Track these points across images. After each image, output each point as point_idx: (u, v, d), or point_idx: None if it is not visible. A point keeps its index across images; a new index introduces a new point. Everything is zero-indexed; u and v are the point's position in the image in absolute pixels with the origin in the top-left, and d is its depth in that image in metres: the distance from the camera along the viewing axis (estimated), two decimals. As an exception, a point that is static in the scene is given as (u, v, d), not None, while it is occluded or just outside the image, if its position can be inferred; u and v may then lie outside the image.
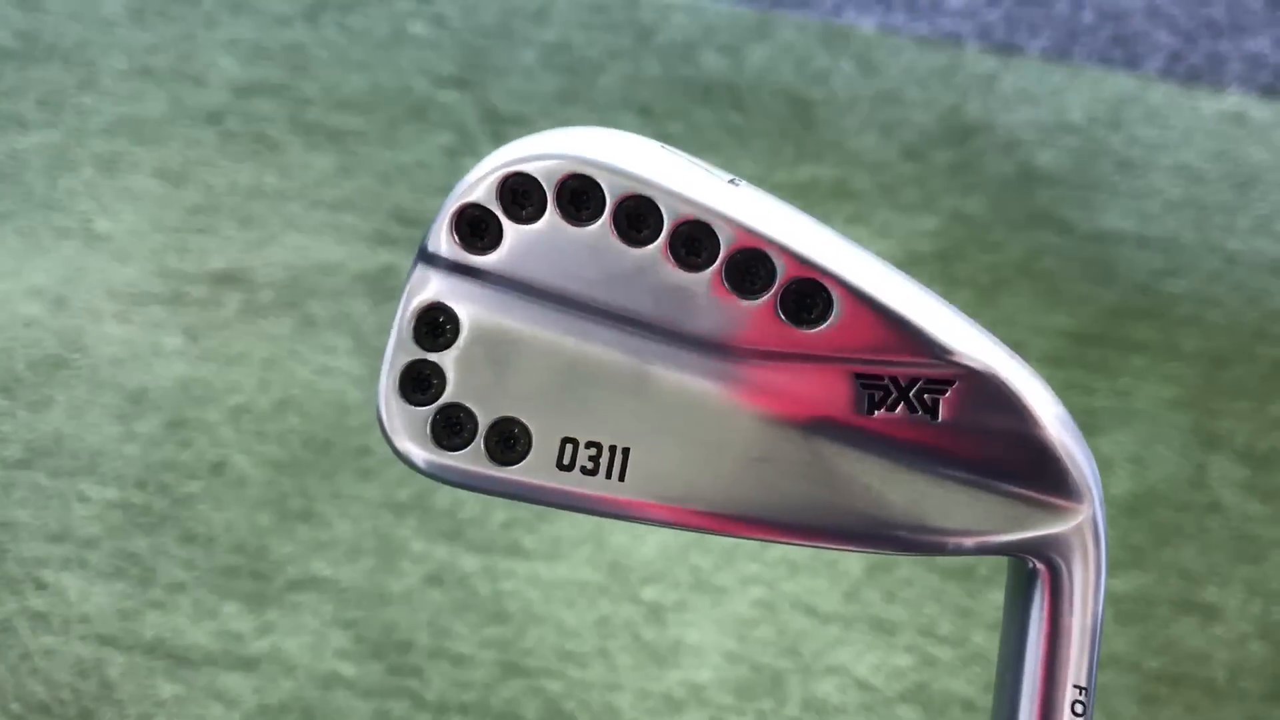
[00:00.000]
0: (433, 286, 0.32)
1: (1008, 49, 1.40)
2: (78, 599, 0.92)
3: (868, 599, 0.95)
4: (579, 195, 0.31)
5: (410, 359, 0.32)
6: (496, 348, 0.32)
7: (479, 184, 0.31)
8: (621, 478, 0.32)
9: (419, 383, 0.32)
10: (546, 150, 0.31)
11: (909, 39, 1.39)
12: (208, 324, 1.09)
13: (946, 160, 1.27)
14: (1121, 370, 1.12)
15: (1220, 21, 1.47)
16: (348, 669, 0.89)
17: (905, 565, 0.98)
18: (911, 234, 1.20)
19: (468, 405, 0.32)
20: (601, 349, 0.31)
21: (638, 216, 0.30)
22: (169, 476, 0.99)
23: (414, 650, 0.91)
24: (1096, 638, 0.32)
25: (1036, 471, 0.31)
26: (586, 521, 0.98)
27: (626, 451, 0.32)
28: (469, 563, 0.95)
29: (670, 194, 0.30)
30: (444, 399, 0.32)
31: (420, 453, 0.32)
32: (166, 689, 0.88)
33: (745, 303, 0.31)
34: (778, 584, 0.96)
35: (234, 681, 0.88)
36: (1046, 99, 1.34)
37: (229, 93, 1.28)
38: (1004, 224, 1.22)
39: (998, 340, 0.31)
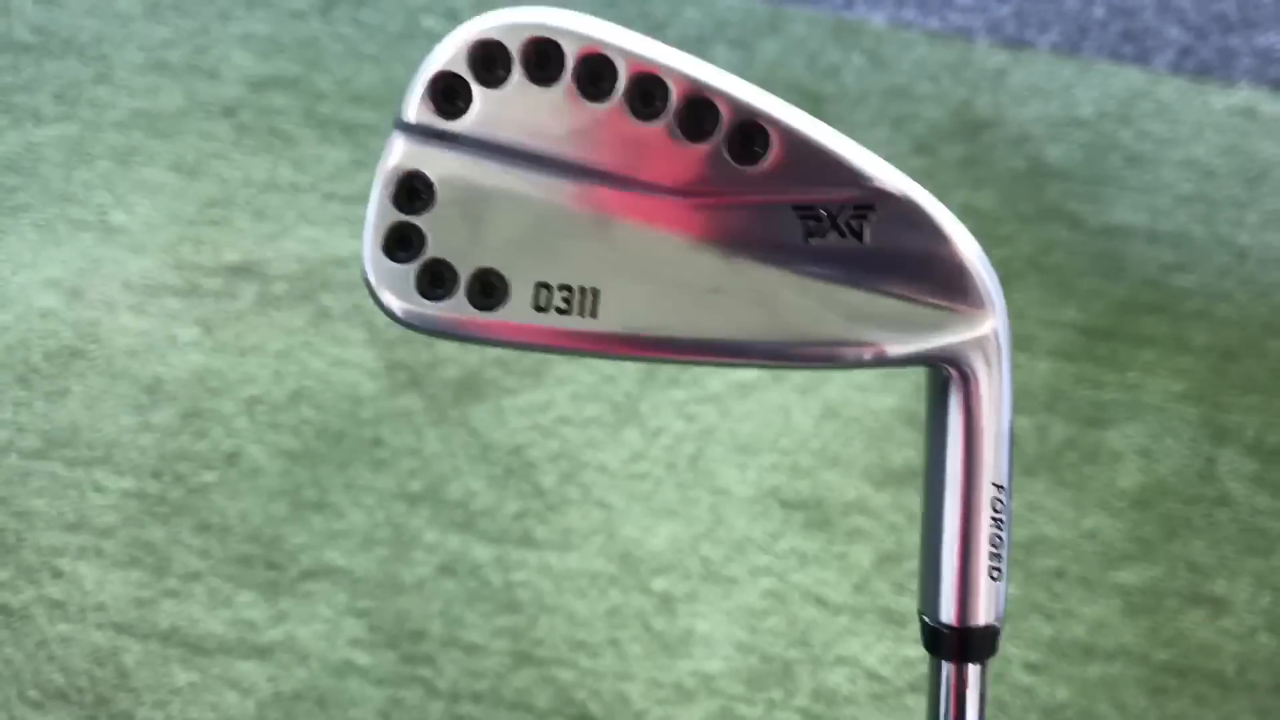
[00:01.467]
0: (408, 154, 0.34)
1: (1018, 44, 1.40)
2: (94, 587, 0.93)
3: (877, 590, 0.96)
4: (543, 57, 0.34)
5: (392, 221, 0.35)
6: (470, 206, 0.35)
7: (451, 53, 0.34)
8: (594, 315, 0.35)
9: (401, 242, 0.35)
10: (512, 19, 0.34)
11: (920, 34, 1.40)
12: (222, 316, 1.10)
13: (957, 154, 1.28)
14: (1131, 364, 1.12)
15: (1231, 16, 1.47)
16: (361, 658, 0.90)
17: (914, 557, 0.98)
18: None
19: (448, 260, 0.35)
20: (567, 200, 0.35)
21: (596, 75, 0.34)
22: (184, 466, 1.00)
23: (427, 639, 0.91)
24: (1008, 441, 0.36)
25: (950, 284, 0.35)
26: (597, 512, 0.99)
27: (596, 292, 0.35)
28: (481, 553, 0.96)
29: (625, 51, 0.34)
30: (425, 255, 0.35)
31: (406, 305, 0.35)
32: (181, 677, 0.89)
33: (696, 147, 0.34)
34: (788, 575, 0.96)
35: (248, 670, 0.89)
36: (1057, 94, 1.35)
37: (243, 86, 1.29)
38: (1014, 218, 1.23)
39: (901, 172, 0.36)
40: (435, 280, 0.35)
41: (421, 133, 0.34)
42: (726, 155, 0.34)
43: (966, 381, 0.36)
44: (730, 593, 0.95)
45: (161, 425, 1.03)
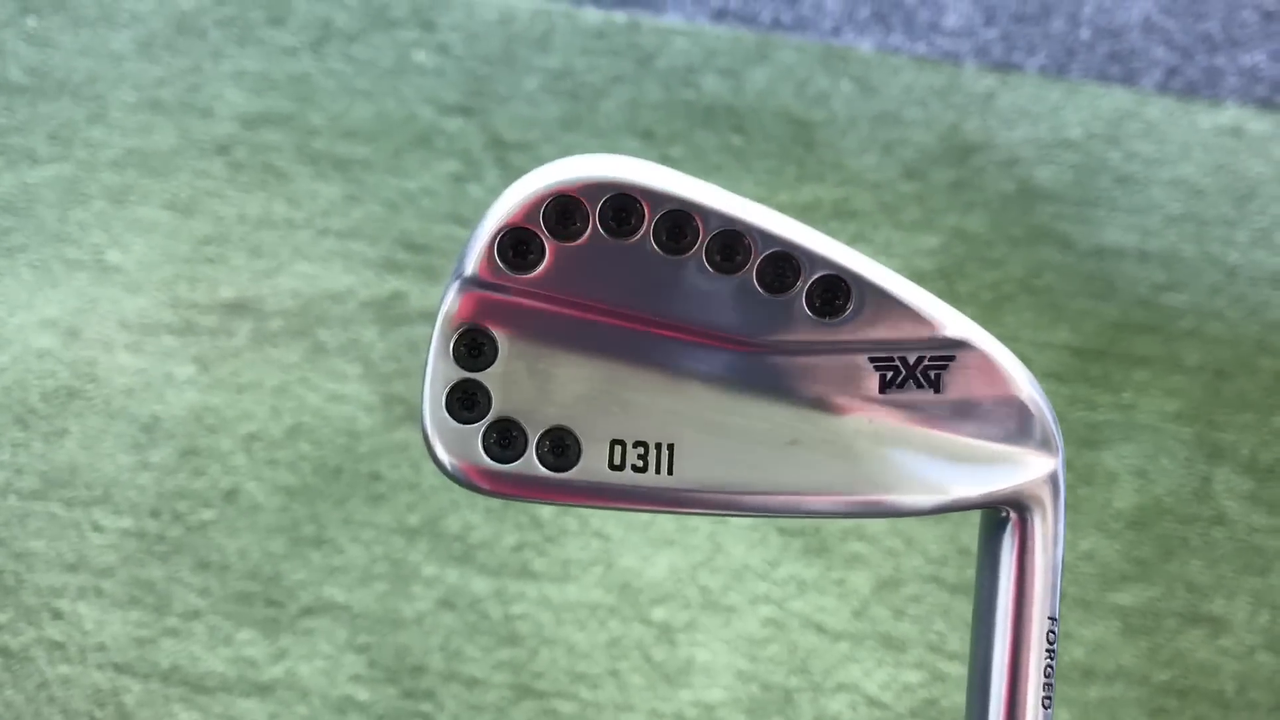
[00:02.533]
0: (470, 308, 0.33)
1: (1006, 67, 1.41)
2: (94, 628, 0.93)
3: (876, 616, 0.96)
4: (623, 212, 0.33)
5: (455, 380, 0.33)
6: (537, 361, 0.34)
7: (523, 206, 0.33)
8: (670, 471, 0.34)
9: (465, 401, 0.33)
10: (591, 173, 0.33)
11: (907, 59, 1.40)
12: (219, 353, 1.11)
13: (947, 179, 1.29)
14: (1124, 384, 1.13)
15: (1216, 36, 1.48)
16: (362, 693, 0.90)
17: (913, 582, 0.98)
18: (914, 252, 1.21)
19: (516, 419, 0.33)
20: (640, 353, 0.34)
21: (677, 230, 0.33)
22: (182, 505, 1.00)
23: (427, 674, 0.91)
24: (1060, 573, 0.37)
25: (1017, 429, 0.35)
26: (596, 542, 0.99)
27: (672, 447, 0.34)
28: (480, 586, 0.96)
29: (707, 208, 0.33)
30: (492, 415, 0.33)
31: (474, 467, 0.34)
32: (183, 716, 0.89)
33: (775, 300, 0.34)
34: (787, 602, 0.96)
35: (249, 707, 0.89)
36: (1045, 116, 1.35)
37: (236, 124, 1.29)
38: (1005, 241, 1.23)
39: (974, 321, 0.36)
40: (503, 440, 0.33)
41: (483, 286, 0.33)
42: (805, 308, 0.34)
43: (1025, 521, 0.36)
44: (730, 621, 0.95)
45: (159, 464, 1.03)
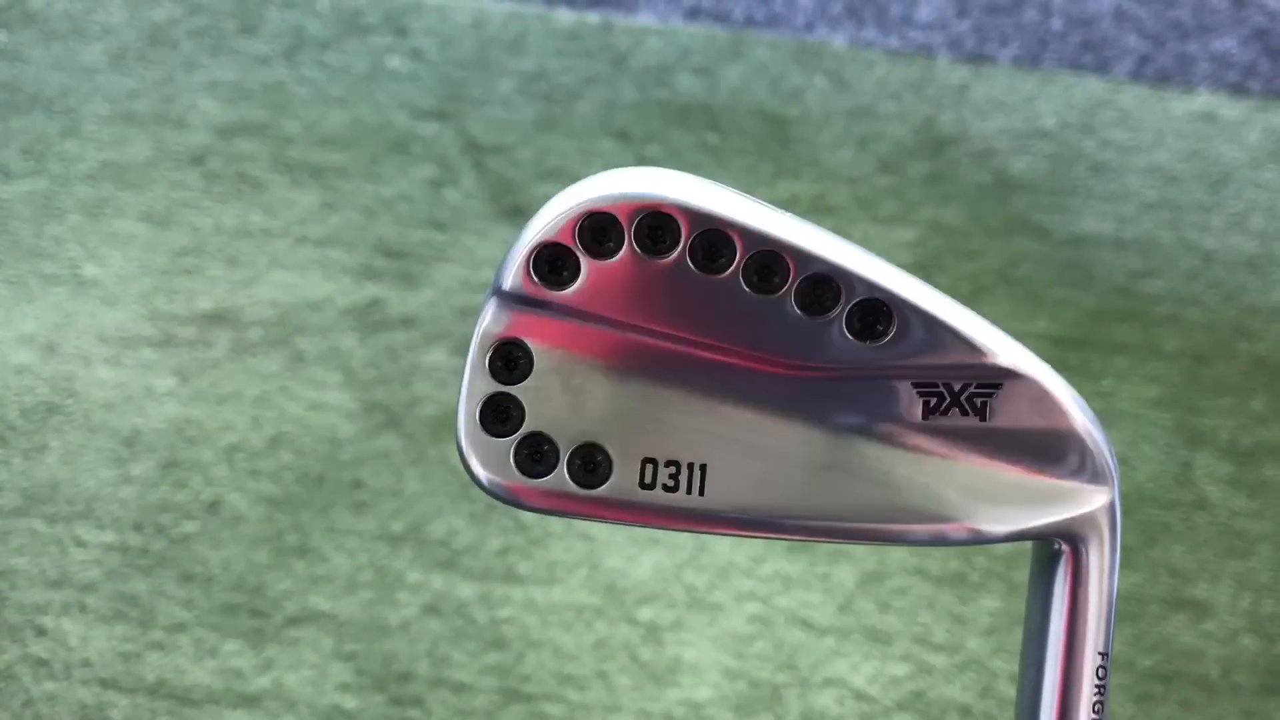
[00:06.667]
0: (506, 322, 0.33)
1: (979, 59, 1.42)
2: (78, 644, 0.93)
3: (862, 610, 0.96)
4: (658, 230, 0.33)
5: (489, 393, 0.33)
6: (571, 377, 0.33)
7: (557, 223, 0.33)
8: (701, 492, 0.33)
9: (499, 414, 0.33)
10: (627, 189, 0.33)
11: (881, 53, 1.41)
12: (198, 364, 1.10)
13: (922, 171, 1.29)
14: (1104, 372, 1.13)
15: (1187, 23, 1.49)
16: (349, 702, 0.90)
17: (898, 575, 0.99)
18: (891, 246, 1.22)
19: (548, 434, 0.33)
20: (674, 372, 0.33)
21: (713, 249, 0.33)
22: (165, 517, 1.00)
23: (414, 680, 0.91)
24: (1115, 607, 0.35)
25: (1069, 461, 0.34)
26: (580, 544, 0.99)
27: (704, 468, 0.33)
28: (466, 591, 0.96)
29: (745, 227, 0.33)
30: (524, 429, 0.33)
31: (505, 481, 0.34)
32: (170, 729, 0.88)
33: (814, 322, 0.33)
34: (772, 599, 0.97)
35: (237, 719, 0.89)
36: (1019, 107, 1.36)
37: (211, 134, 1.29)
38: (982, 232, 1.24)
39: (1025, 346, 0.35)
40: (535, 455, 0.33)
41: (520, 301, 0.33)
42: (846, 331, 0.33)
43: (1078, 555, 0.35)
44: (716, 619, 0.95)
45: (141, 477, 1.02)
